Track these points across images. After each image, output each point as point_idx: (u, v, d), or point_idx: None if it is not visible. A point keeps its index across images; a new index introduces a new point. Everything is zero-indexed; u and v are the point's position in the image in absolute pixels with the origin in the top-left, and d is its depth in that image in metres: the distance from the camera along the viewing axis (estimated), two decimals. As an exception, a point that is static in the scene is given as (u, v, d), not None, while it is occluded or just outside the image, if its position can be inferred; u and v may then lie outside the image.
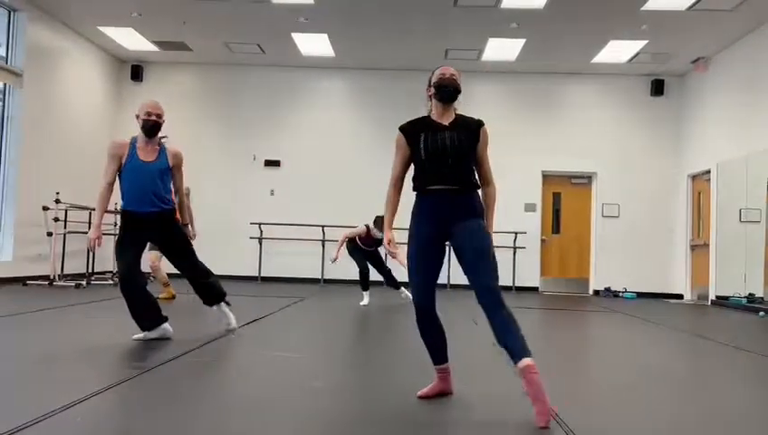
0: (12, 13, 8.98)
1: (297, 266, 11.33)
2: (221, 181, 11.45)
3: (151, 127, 4.44)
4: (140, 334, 4.48)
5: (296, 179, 11.55)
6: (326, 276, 11.08)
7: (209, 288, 4.85)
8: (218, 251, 11.38)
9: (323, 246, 11.08)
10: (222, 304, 4.96)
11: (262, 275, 11.35)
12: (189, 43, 10.58)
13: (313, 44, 10.36)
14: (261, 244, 11.33)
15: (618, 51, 10.15)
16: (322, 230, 11.10)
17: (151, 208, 4.38)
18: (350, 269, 11.07)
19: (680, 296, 11.01)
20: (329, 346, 4.76)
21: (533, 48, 10.11)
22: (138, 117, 4.49)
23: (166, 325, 4.53)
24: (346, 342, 5.02)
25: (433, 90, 3.20)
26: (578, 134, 11.47)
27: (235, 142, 11.67)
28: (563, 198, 11.68)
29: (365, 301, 7.72)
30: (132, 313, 4.47)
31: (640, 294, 11.00)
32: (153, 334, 4.47)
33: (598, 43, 9.92)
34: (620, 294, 11.04)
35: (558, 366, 4.30)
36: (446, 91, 3.15)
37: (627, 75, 11.37)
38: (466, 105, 12.35)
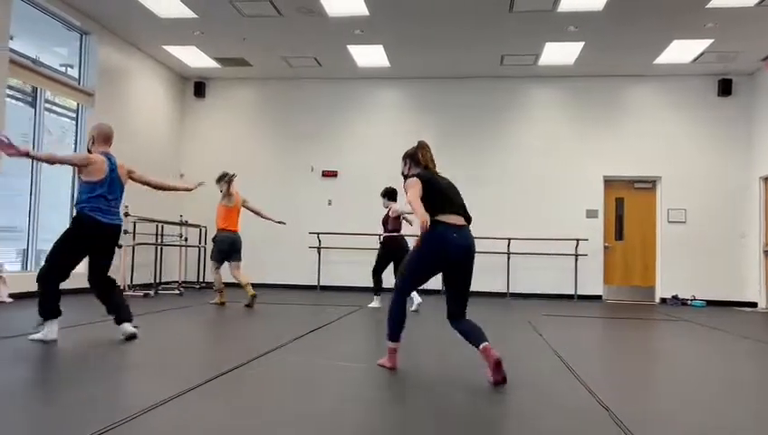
0: (84, 36, 9.45)
1: (355, 275, 11.41)
2: (280, 192, 11.67)
3: None
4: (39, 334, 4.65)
5: (353, 190, 11.66)
6: (384, 285, 11.09)
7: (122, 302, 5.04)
8: (278, 261, 11.62)
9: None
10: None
11: (320, 284, 11.49)
12: (249, 59, 10.87)
13: (369, 56, 10.46)
14: (319, 253, 11.47)
15: (682, 51, 9.82)
16: (379, 240, 11.14)
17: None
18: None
19: (754, 305, 10.50)
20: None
21: (593, 51, 9.91)
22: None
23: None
24: (404, 350, 5.01)
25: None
26: (640, 138, 11.15)
27: (294, 154, 11.90)
28: (626, 203, 11.36)
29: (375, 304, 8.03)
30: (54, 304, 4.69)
31: (710, 302, 10.56)
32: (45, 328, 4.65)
33: (660, 44, 9.64)
34: (689, 302, 10.62)
35: (626, 377, 4.17)
36: None
37: (691, 76, 10.99)
38: (525, 111, 12.21)
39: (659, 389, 3.92)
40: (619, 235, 11.33)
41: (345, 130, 11.84)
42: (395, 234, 8.00)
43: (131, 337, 4.78)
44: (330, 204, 11.70)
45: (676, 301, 10.69)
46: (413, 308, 7.69)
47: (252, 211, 8.14)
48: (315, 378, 3.74)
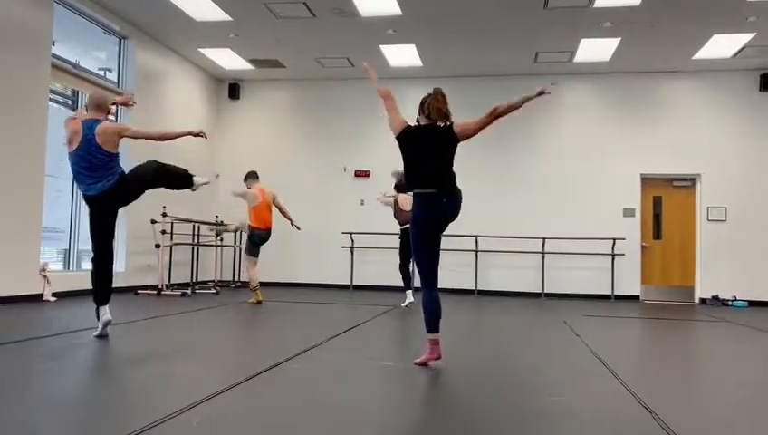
0: (122, 40, 9.66)
1: (388, 275, 11.39)
2: (313, 192, 11.74)
3: None
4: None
5: (385, 189, 11.64)
6: (417, 284, 11.08)
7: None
8: (311, 260, 11.70)
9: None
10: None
11: (354, 283, 11.53)
12: (283, 60, 10.97)
13: (401, 55, 10.46)
14: (352, 253, 11.52)
15: (722, 45, 9.58)
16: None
17: None
18: (442, 278, 11.05)
19: (799, 305, 10.20)
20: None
21: (629, 47, 9.74)
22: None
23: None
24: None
25: None
26: (679, 135, 10.91)
27: (326, 154, 11.96)
28: (664, 201, 11.13)
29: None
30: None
31: (752, 303, 10.28)
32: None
33: (699, 39, 9.42)
34: (730, 302, 10.36)
35: (668, 380, 4.09)
36: None
37: (732, 71, 10.71)
38: (559, 109, 12.09)
39: (704, 392, 3.84)
40: (657, 234, 11.11)
41: (377, 130, 11.83)
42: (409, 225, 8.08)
43: (107, 323, 4.75)
44: (362, 204, 11.72)
45: (717, 301, 10.44)
46: (404, 304, 7.87)
47: (278, 208, 8.37)
48: (354, 376, 3.76)
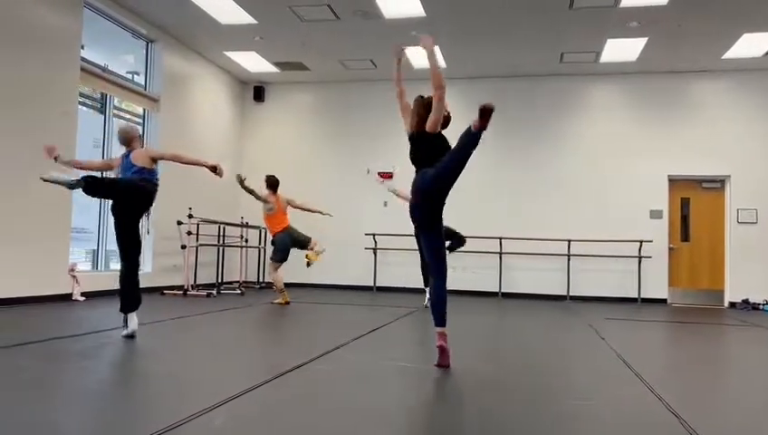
0: (149, 44, 9.80)
1: (411, 276, 11.37)
2: (337, 194, 11.77)
3: None
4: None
5: (409, 191, 11.63)
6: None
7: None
8: (335, 262, 11.71)
9: (437, 257, 11.08)
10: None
11: (377, 284, 11.54)
12: (307, 63, 11.03)
13: (424, 57, 10.37)
14: (375, 254, 11.53)
15: (752, 45, 9.40)
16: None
17: None
18: (464, 280, 11.00)
19: (833, 310, 9.94)
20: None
21: (656, 47, 9.60)
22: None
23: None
24: (458, 352, 4.98)
25: None
26: (708, 135, 10.72)
27: (350, 155, 11.99)
28: (692, 203, 10.94)
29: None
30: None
31: (785, 308, 10.05)
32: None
33: (728, 38, 9.25)
34: (761, 306, 10.13)
35: (696, 385, 4.02)
36: None
37: (762, 70, 10.49)
38: (585, 109, 11.94)
39: (733, 397, 3.76)
40: (685, 236, 10.93)
41: (401, 132, 11.75)
42: None
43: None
44: (386, 205, 11.72)
45: (747, 305, 10.22)
46: (425, 303, 7.82)
47: (301, 209, 8.40)
48: (376, 377, 3.76)
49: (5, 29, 6.96)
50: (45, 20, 7.49)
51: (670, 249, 10.80)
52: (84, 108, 8.58)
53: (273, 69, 11.38)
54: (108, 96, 9.01)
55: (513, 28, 9.07)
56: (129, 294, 4.85)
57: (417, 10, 8.49)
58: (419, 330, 6.32)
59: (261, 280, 11.45)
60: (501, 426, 2.80)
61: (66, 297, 7.62)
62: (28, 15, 7.27)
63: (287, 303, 8.12)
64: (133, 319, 4.79)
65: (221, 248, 10.60)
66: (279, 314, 7.29)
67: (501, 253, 10.91)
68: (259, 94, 12.33)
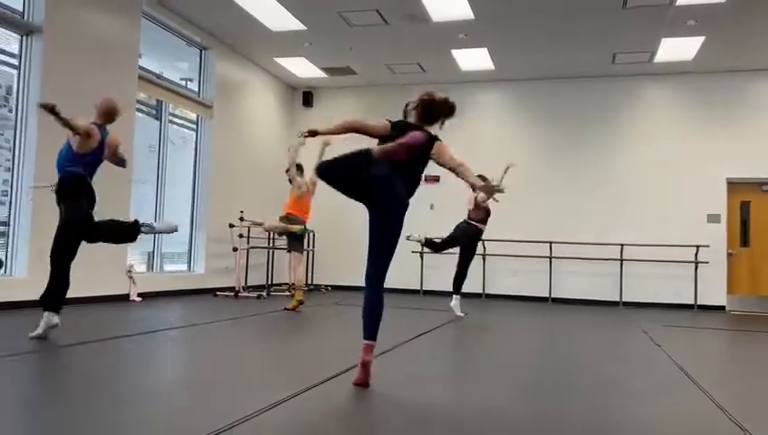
0: (203, 51, 10.05)
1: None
2: (385, 198, 11.79)
3: None
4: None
5: (455, 194, 11.52)
6: (487, 291, 10.96)
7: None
8: (383, 265, 11.74)
9: (483, 260, 10.98)
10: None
11: (423, 288, 11.51)
12: (355, 68, 11.11)
13: (472, 59, 10.38)
14: (422, 258, 11.50)
15: (817, 41, 9.01)
16: (483, 245, 11.01)
17: None
18: (509, 285, 10.87)
19: None
20: (498, 365, 4.69)
21: (714, 45, 9.29)
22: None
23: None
24: (520, 352, 4.92)
25: None
26: (769, 136, 10.31)
27: (398, 159, 11.99)
28: (753, 207, 10.53)
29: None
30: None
31: None
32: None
33: (792, 34, 8.89)
34: (828, 315, 9.68)
35: (757, 394, 3.87)
36: None
37: (829, 67, 10.04)
38: (639, 111, 11.67)
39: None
40: (745, 241, 10.53)
41: (447, 135, 11.68)
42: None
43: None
44: (432, 208, 11.68)
45: (812, 314, 9.77)
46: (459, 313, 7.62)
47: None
48: (419, 384, 3.75)
49: (72, 40, 7.26)
50: (109, 32, 7.79)
51: (729, 255, 10.42)
52: (140, 114, 8.85)
53: (322, 74, 11.50)
54: (163, 103, 9.28)
55: (564, 28, 8.92)
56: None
57: (466, 12, 8.44)
58: (467, 336, 6.26)
59: (310, 283, 11.56)
60: (560, 427, 2.76)
61: (124, 298, 7.87)
62: (92, 27, 7.57)
63: (301, 303, 7.56)
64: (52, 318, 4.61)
65: (271, 251, 10.76)
66: (325, 317, 7.37)
67: (551, 257, 10.74)
68: (308, 99, 12.49)
